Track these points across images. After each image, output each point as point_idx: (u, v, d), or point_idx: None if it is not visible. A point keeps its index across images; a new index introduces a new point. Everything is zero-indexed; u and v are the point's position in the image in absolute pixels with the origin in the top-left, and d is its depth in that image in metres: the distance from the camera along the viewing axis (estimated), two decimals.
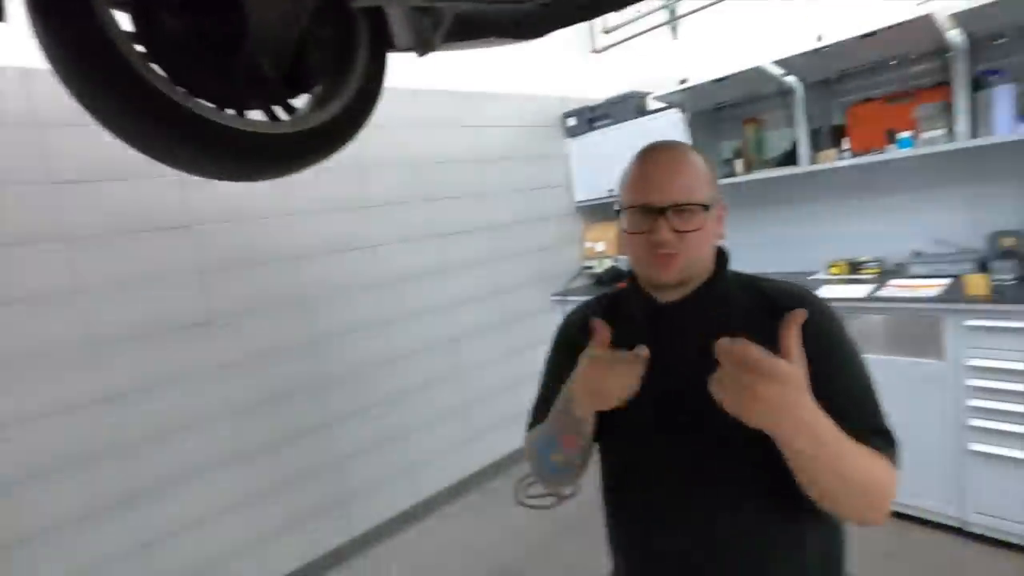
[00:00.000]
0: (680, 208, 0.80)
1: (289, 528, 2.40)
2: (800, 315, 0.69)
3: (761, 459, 0.73)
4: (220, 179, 1.07)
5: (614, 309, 0.95)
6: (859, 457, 0.70)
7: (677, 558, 0.85)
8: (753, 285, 0.88)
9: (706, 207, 0.81)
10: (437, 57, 3.16)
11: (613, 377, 0.78)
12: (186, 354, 2.14)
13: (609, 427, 0.88)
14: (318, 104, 1.11)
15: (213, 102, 0.94)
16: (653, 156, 0.86)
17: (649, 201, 0.81)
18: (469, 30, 1.22)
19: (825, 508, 0.73)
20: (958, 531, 2.15)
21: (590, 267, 3.62)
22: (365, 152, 2.65)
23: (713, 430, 0.76)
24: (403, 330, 2.79)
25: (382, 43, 1.14)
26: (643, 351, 0.79)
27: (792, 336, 0.68)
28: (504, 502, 2.93)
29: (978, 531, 2.09)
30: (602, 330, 0.81)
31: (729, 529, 0.81)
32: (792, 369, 0.65)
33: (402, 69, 2.68)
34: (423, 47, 1.20)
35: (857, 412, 0.76)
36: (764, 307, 0.83)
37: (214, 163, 0.98)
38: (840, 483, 0.69)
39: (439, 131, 2.97)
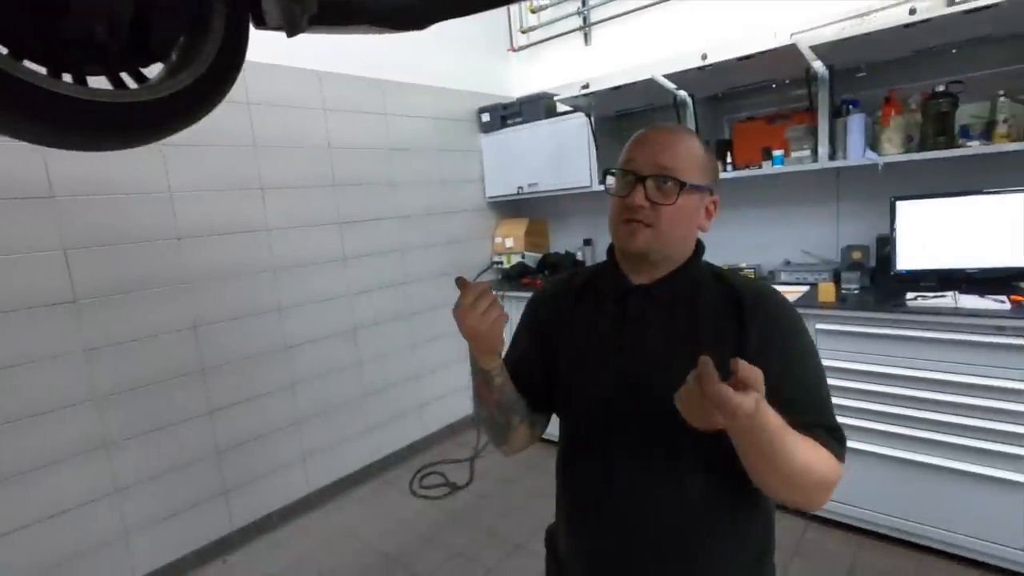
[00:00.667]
0: (661, 180, 0.81)
1: (161, 521, 2.28)
2: (749, 371, 0.65)
3: (709, 445, 0.76)
4: (58, 147, 1.01)
5: (589, 284, 0.97)
6: (802, 449, 0.72)
7: (615, 530, 0.87)
8: (721, 276, 0.90)
9: (684, 185, 0.81)
10: (348, 41, 3.09)
11: (477, 317, 0.81)
12: (47, 334, 1.98)
13: (568, 399, 0.94)
14: (169, 74, 1.07)
15: (48, 68, 0.88)
16: (654, 129, 0.87)
17: (633, 166, 0.84)
18: (338, 15, 1.21)
19: (767, 493, 0.77)
20: (802, 513, 2.37)
21: (499, 262, 3.68)
22: (263, 133, 2.55)
23: (667, 413, 0.77)
24: (298, 318, 2.72)
25: (242, 16, 1.11)
26: (486, 283, 0.86)
27: (755, 373, 0.65)
28: (398, 493, 2.93)
29: (821, 513, 2.32)
30: (463, 282, 0.84)
31: (670, 508, 0.83)
32: (751, 405, 0.63)
33: (310, 51, 2.65)
34: (291, 27, 1.17)
35: (807, 406, 0.79)
36: (730, 299, 0.85)
37: (44, 130, 0.93)
38: (782, 472, 0.72)
39: (347, 117, 2.91)
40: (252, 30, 1.18)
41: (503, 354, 0.97)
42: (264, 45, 1.19)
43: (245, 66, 2.74)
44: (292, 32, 1.20)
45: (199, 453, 2.39)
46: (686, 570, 0.85)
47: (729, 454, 0.75)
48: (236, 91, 2.64)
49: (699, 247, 0.93)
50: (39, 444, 1.97)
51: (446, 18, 1.36)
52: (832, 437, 0.79)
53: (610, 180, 0.89)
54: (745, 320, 0.82)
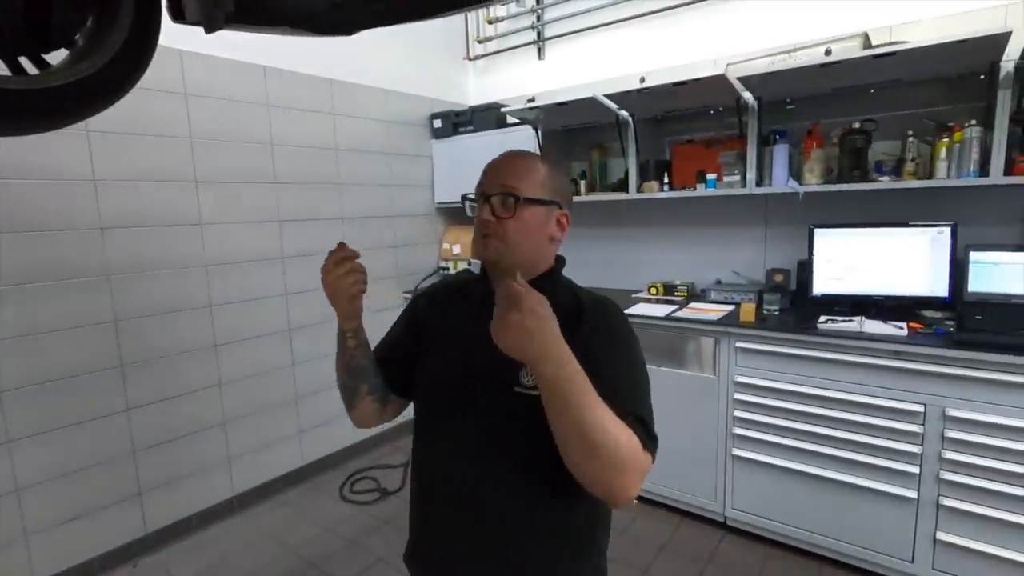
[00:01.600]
0: (503, 197, 0.92)
1: (67, 522, 2.18)
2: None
3: (535, 439, 0.83)
4: None
5: (463, 288, 1.08)
6: (608, 418, 0.75)
7: (444, 510, 0.97)
8: (571, 290, 1.01)
9: (520, 199, 0.91)
10: (296, 39, 3.05)
11: (336, 277, 0.94)
12: None
13: (418, 382, 1.04)
14: (73, 61, 1.04)
15: None
16: (502, 157, 0.99)
17: (482, 188, 0.96)
18: (256, 15, 1.21)
19: (575, 472, 0.78)
20: (721, 524, 2.47)
21: (446, 268, 3.68)
22: (200, 125, 2.50)
23: (503, 406, 0.90)
24: (230, 316, 2.65)
25: (153, 5, 1.09)
26: (355, 252, 0.97)
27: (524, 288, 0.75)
28: (328, 498, 2.88)
29: (735, 525, 2.43)
30: (340, 245, 0.97)
31: (493, 494, 0.92)
32: (531, 300, 0.73)
33: (256, 45, 2.61)
34: (208, 23, 1.16)
35: (623, 397, 0.82)
36: (573, 310, 0.93)
37: None
38: (588, 439, 0.74)
39: (291, 114, 2.87)
40: (172, 24, 1.16)
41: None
42: (204, 37, 1.19)
43: (184, 56, 2.73)
44: (210, 28, 1.19)
45: (112, 452, 2.30)
46: (506, 556, 0.93)
47: (554, 451, 0.79)
48: (173, 80, 2.60)
49: (559, 261, 1.03)
50: None
51: (374, 26, 1.37)
52: (644, 429, 0.82)
53: (470, 204, 1.01)
54: (580, 322, 0.91)
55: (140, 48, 1.12)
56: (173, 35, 1.15)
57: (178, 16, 1.17)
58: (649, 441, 0.82)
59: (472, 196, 1.00)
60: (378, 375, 1.04)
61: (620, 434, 0.76)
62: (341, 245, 0.98)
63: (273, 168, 2.79)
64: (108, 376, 2.27)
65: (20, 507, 2.06)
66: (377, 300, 3.37)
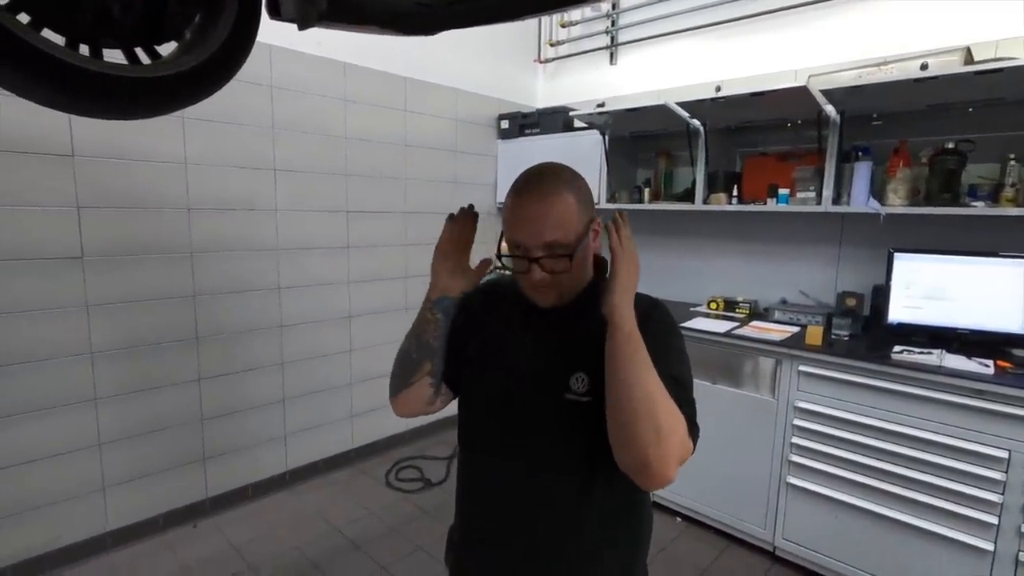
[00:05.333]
0: (553, 254, 0.86)
1: (139, 479, 2.35)
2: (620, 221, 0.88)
3: (589, 453, 0.87)
4: (66, 111, 1.07)
5: (505, 296, 1.03)
6: (662, 391, 0.78)
7: (497, 519, 0.97)
8: None
9: (574, 252, 0.87)
10: (375, 37, 3.16)
11: (455, 225, 1.01)
12: (53, 286, 2.07)
13: (466, 398, 1.04)
14: (180, 53, 1.13)
15: (69, 38, 0.95)
16: (526, 194, 0.88)
17: (522, 243, 0.87)
18: (347, 14, 1.26)
19: (622, 440, 0.78)
20: (769, 554, 2.37)
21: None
22: (282, 116, 2.63)
23: (553, 414, 0.90)
24: (295, 299, 2.78)
25: (255, 3, 1.16)
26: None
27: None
28: (373, 482, 2.97)
29: (784, 556, 2.32)
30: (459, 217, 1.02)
31: (545, 505, 0.92)
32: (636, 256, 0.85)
33: (338, 42, 2.72)
34: (302, 21, 1.23)
35: (675, 385, 0.83)
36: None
37: (52, 96, 0.99)
38: (643, 399, 0.76)
39: (366, 109, 2.98)
40: (267, 19, 1.24)
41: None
42: (293, 32, 1.26)
43: (272, 51, 2.88)
44: (303, 26, 1.26)
45: (183, 418, 2.46)
46: (556, 567, 0.92)
47: (604, 457, 0.82)
48: (261, 74, 2.75)
49: (600, 266, 1.00)
50: (33, 389, 2.05)
51: (456, 27, 1.41)
52: (690, 417, 0.83)
53: (505, 259, 0.94)
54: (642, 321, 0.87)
55: (240, 43, 1.19)
56: (263, 30, 1.22)
57: (275, 13, 1.24)
58: (693, 429, 0.84)
59: (507, 255, 0.92)
60: (443, 362, 1.01)
61: (672, 411, 0.79)
62: (471, 208, 1.03)
63: (345, 161, 2.91)
64: (185, 347, 2.43)
65: (101, 460, 2.24)
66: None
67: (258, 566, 2.26)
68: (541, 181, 0.90)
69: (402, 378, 1.01)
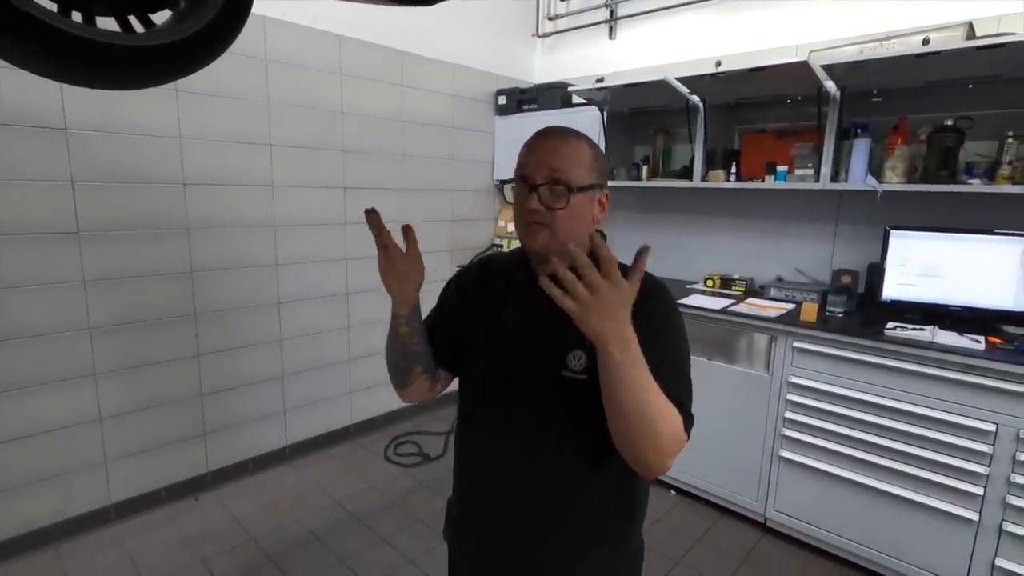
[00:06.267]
0: (554, 185, 0.88)
1: (140, 453, 2.38)
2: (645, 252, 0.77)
3: (587, 423, 0.87)
4: (57, 80, 1.06)
5: (502, 270, 1.05)
6: (660, 401, 0.78)
7: (496, 493, 0.98)
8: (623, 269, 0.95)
9: (574, 188, 0.87)
10: (372, 10, 3.11)
11: (393, 273, 0.95)
12: (49, 261, 2.06)
13: (467, 371, 1.04)
14: (175, 22, 1.11)
15: (58, 4, 0.93)
16: (541, 136, 0.93)
17: (526, 175, 0.90)
18: None
19: (621, 447, 0.81)
20: (760, 525, 2.43)
21: (499, 245, 3.71)
22: (275, 90, 2.60)
23: (550, 391, 0.90)
24: (293, 276, 2.78)
25: None
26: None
27: (635, 270, 0.75)
28: (372, 457, 3.01)
29: (775, 527, 2.38)
30: (375, 220, 0.95)
31: (542, 479, 0.93)
32: (623, 281, 0.73)
33: (334, 15, 2.67)
34: None
35: (670, 377, 0.84)
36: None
37: (45, 63, 0.98)
38: (640, 419, 0.76)
39: (363, 84, 2.94)
40: None
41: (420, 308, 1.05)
42: (288, 4, 1.23)
43: (266, 22, 2.82)
44: None
45: (183, 394, 2.48)
46: (554, 538, 0.94)
47: (600, 433, 0.84)
48: (255, 47, 2.71)
49: (597, 242, 0.97)
50: (33, 364, 2.06)
51: None
52: (684, 410, 0.84)
53: (512, 187, 0.97)
54: (642, 302, 0.84)
55: (236, 12, 1.17)
56: (258, 1, 1.20)
57: None
58: (687, 420, 0.85)
59: (511, 180, 0.96)
60: (430, 353, 1.03)
61: (668, 414, 0.79)
62: (375, 219, 0.94)
63: (342, 136, 2.88)
64: (183, 322, 2.43)
65: (102, 434, 2.26)
66: (431, 273, 3.45)
67: (259, 537, 2.30)
68: (557, 129, 0.95)
69: (399, 382, 1.04)
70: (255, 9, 1.15)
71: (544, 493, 0.94)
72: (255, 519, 2.43)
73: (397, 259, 0.95)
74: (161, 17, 1.11)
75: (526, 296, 0.96)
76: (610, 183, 3.00)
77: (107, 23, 1.00)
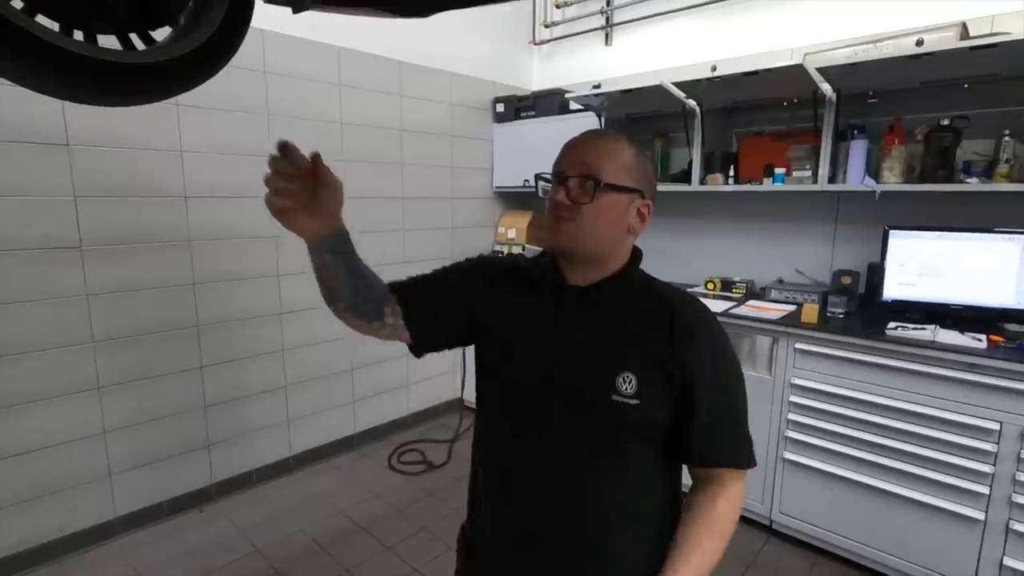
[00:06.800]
0: (582, 180, 0.84)
1: (145, 466, 2.38)
2: None
3: (613, 446, 0.85)
4: (60, 98, 1.07)
5: (528, 273, 0.98)
6: (715, 538, 0.86)
7: (543, 523, 0.90)
8: (655, 288, 0.93)
9: (600, 183, 0.83)
10: (369, 20, 3.13)
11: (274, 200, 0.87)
12: (52, 276, 2.07)
13: (493, 385, 0.97)
14: (175, 39, 1.13)
15: (63, 23, 0.95)
16: (583, 136, 0.90)
17: (560, 168, 0.88)
18: None
19: None
20: (766, 527, 2.42)
21: (499, 252, 3.72)
22: (275, 102, 2.62)
23: (591, 411, 0.85)
24: (295, 286, 2.79)
25: None
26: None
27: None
28: (377, 466, 3.01)
29: (781, 529, 2.37)
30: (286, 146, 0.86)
31: (587, 501, 0.87)
32: None
33: (331, 27, 2.70)
34: (296, 4, 1.22)
35: (716, 428, 0.86)
36: (663, 312, 0.87)
37: (49, 82, 0.99)
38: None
39: (361, 94, 2.96)
40: (260, 3, 1.23)
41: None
42: (286, 17, 1.25)
43: (264, 36, 2.84)
44: (297, 9, 1.25)
45: (186, 406, 2.48)
46: (608, 568, 0.89)
47: (649, 465, 0.87)
48: (254, 60, 2.73)
49: (635, 255, 0.95)
50: (35, 378, 2.07)
51: (450, 8, 1.40)
52: (748, 450, 0.89)
53: (543, 184, 0.93)
54: (676, 337, 0.85)
55: (235, 28, 1.19)
56: (257, 15, 1.21)
57: None
58: (752, 455, 0.89)
59: (547, 176, 0.91)
60: (358, 295, 0.92)
61: (728, 529, 0.87)
62: (286, 145, 0.86)
63: (341, 146, 2.90)
64: (186, 334, 2.44)
65: (106, 448, 2.27)
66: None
67: (265, 548, 2.30)
68: (601, 131, 0.97)
69: (333, 311, 0.96)
70: (255, 23, 1.17)
71: (597, 522, 0.87)
72: (260, 530, 2.42)
73: (319, 189, 0.86)
74: (161, 34, 1.13)
75: (562, 304, 0.91)
76: None
77: (109, 41, 1.01)
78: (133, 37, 1.12)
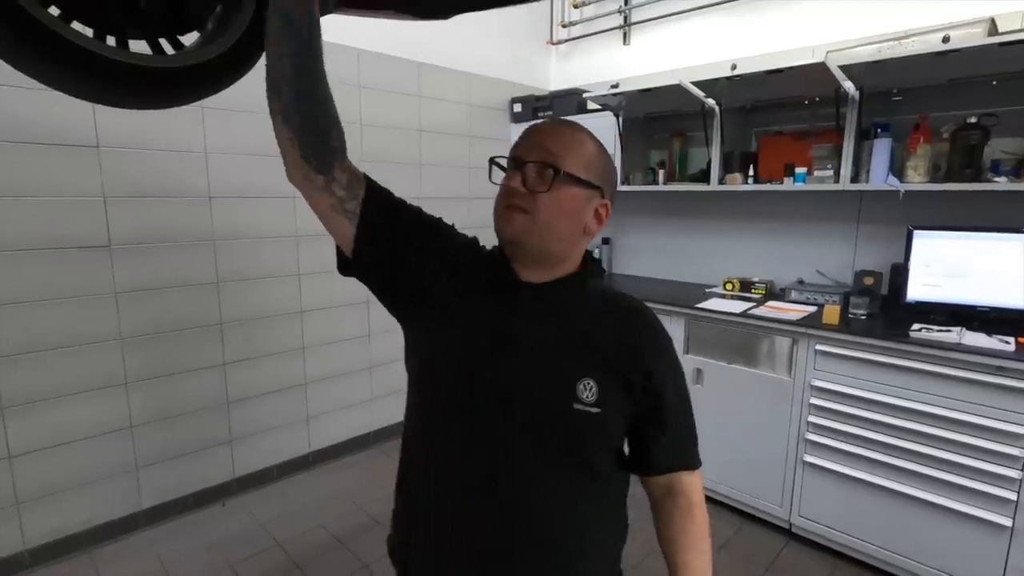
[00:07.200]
0: (540, 167, 0.78)
1: (169, 460, 2.44)
2: None
3: (584, 447, 0.81)
4: (94, 102, 1.11)
5: (484, 263, 0.89)
6: (700, 554, 0.87)
7: (485, 521, 0.81)
8: (609, 294, 0.90)
9: (560, 172, 0.77)
10: (388, 22, 3.17)
11: None
12: (82, 274, 2.13)
13: (432, 375, 0.87)
14: (203, 43, 1.16)
15: (97, 29, 0.99)
16: (546, 122, 0.86)
17: (517, 153, 0.81)
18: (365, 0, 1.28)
19: None
20: (785, 531, 2.39)
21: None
22: None
23: (547, 412, 0.79)
24: (314, 285, 2.83)
25: None
26: None
27: None
28: (394, 464, 3.01)
29: (801, 533, 2.34)
30: None
31: (543, 503, 0.80)
32: None
33: (349, 28, 2.73)
34: (320, 8, 1.25)
35: (688, 444, 0.90)
36: (621, 318, 0.86)
37: (88, 88, 1.04)
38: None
39: (381, 95, 2.99)
40: None
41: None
42: None
43: None
44: (320, 12, 1.28)
45: (209, 402, 2.54)
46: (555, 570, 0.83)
47: (604, 473, 0.84)
48: None
49: (588, 260, 0.89)
50: (65, 373, 2.13)
51: (470, 10, 1.42)
52: (695, 450, 0.91)
53: (497, 171, 0.86)
54: (641, 348, 0.84)
55: (260, 32, 1.21)
56: None
57: None
58: (697, 460, 0.91)
59: (502, 159, 0.84)
60: (302, 103, 0.81)
61: (708, 537, 0.88)
62: None
63: (361, 147, 2.93)
64: (210, 332, 2.49)
65: (133, 442, 2.32)
66: None
67: (285, 542, 2.34)
68: (563, 120, 0.88)
69: (271, 113, 0.84)
70: None
71: (553, 533, 0.81)
72: (281, 524, 2.47)
73: None
74: (190, 39, 1.16)
75: (518, 301, 0.83)
76: (627, 188, 3.04)
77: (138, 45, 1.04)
78: (163, 42, 1.16)
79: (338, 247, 0.89)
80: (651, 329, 0.87)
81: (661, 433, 0.86)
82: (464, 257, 0.89)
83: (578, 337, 0.82)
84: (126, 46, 1.05)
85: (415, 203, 0.95)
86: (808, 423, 2.24)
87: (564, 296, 0.85)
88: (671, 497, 0.89)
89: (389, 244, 0.86)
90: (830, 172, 2.39)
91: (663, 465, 0.89)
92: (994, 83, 2.14)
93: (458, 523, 0.82)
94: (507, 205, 0.80)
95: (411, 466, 0.92)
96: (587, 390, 0.78)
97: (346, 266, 0.90)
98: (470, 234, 0.96)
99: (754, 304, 2.54)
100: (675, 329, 2.60)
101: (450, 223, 0.95)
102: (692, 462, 0.90)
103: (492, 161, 0.86)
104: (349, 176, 0.85)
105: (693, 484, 0.89)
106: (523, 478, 0.79)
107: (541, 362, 0.80)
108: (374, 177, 0.94)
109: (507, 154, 0.86)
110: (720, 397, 2.43)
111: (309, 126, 0.82)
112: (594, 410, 0.78)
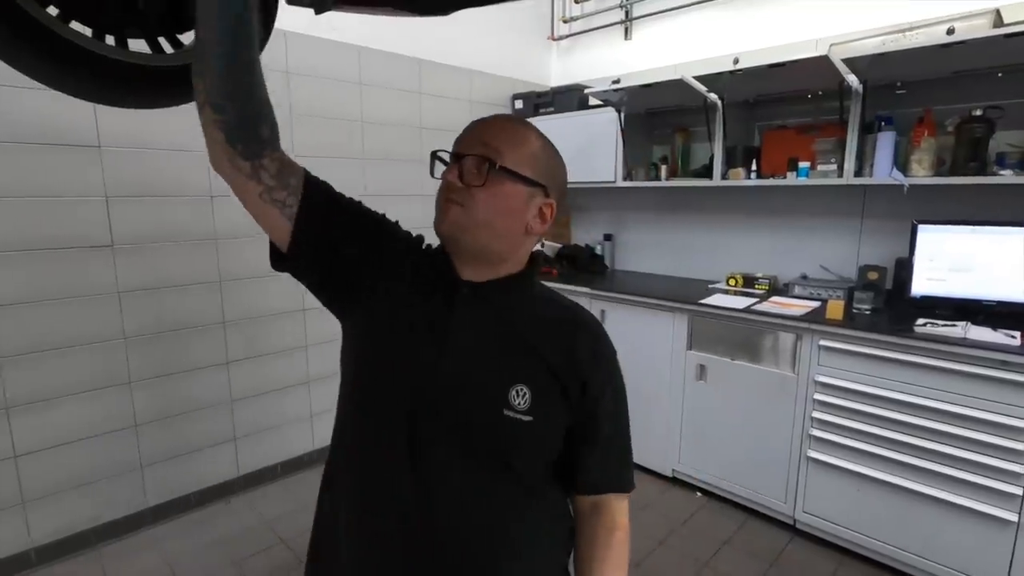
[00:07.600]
0: (479, 161, 0.75)
1: (174, 458, 2.45)
2: None
3: (504, 470, 0.77)
4: (94, 102, 1.12)
5: (423, 260, 0.87)
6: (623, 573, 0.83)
7: (421, 535, 0.76)
8: (553, 299, 0.87)
9: (495, 165, 0.75)
10: (388, 19, 3.16)
11: None
12: (86, 274, 2.14)
13: (365, 381, 0.84)
14: None
15: (95, 29, 0.99)
16: (491, 116, 0.82)
17: (458, 148, 0.79)
18: None
19: None
20: (789, 527, 2.39)
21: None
22: (296, 102, 2.65)
23: (487, 417, 0.75)
24: None
25: None
26: None
27: None
28: None
29: (805, 528, 2.34)
30: None
31: (482, 513, 0.77)
32: None
33: (352, 26, 2.72)
34: (318, 5, 1.24)
35: (623, 466, 0.86)
36: (565, 322, 0.83)
37: (88, 87, 1.04)
38: None
39: (382, 93, 2.98)
40: (284, 5, 1.25)
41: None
42: (308, 18, 1.26)
43: (287, 36, 2.88)
44: (320, 10, 1.27)
45: (213, 400, 2.54)
46: None
47: (535, 477, 0.80)
48: (276, 61, 2.77)
49: (534, 262, 0.86)
50: (71, 372, 2.14)
51: (469, 6, 1.41)
52: (626, 480, 0.87)
53: (441, 166, 0.83)
54: (581, 357, 0.80)
55: (261, 30, 1.21)
56: (279, 16, 1.23)
57: None
58: (631, 482, 0.87)
59: (443, 153, 0.82)
60: (228, 79, 0.74)
61: (626, 558, 0.85)
62: None
63: (362, 145, 2.93)
64: (213, 330, 2.50)
65: (138, 441, 2.33)
66: None
67: (290, 540, 2.35)
68: (510, 116, 0.86)
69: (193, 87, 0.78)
70: (277, 24, 1.19)
71: (484, 533, 0.77)
72: (285, 522, 2.47)
73: None
74: (188, 37, 1.15)
75: (455, 300, 0.80)
76: (629, 184, 3.03)
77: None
78: (162, 41, 1.16)
79: (271, 241, 0.86)
80: (594, 337, 0.83)
81: (591, 450, 0.81)
82: (405, 254, 0.87)
83: (516, 340, 0.79)
84: (125, 45, 1.05)
85: (415, 202, 0.94)
86: (812, 419, 2.24)
87: (505, 297, 0.82)
88: (596, 516, 0.85)
89: (327, 239, 0.83)
90: (834, 166, 2.38)
91: (589, 485, 0.84)
92: (999, 75, 2.12)
93: (376, 547, 0.79)
94: (445, 199, 0.79)
95: (336, 468, 0.88)
96: (520, 396, 0.75)
97: (280, 260, 0.86)
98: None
99: (757, 300, 2.53)
100: (678, 325, 2.59)
101: (393, 220, 0.93)
102: (623, 485, 0.85)
103: (434, 155, 0.84)
104: (280, 165, 0.82)
105: (620, 508, 0.85)
106: (451, 489, 0.75)
107: (473, 364, 0.77)
108: (378, 174, 0.93)
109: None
110: (724, 393, 2.42)
111: (232, 91, 0.75)
112: (525, 418, 0.75)
